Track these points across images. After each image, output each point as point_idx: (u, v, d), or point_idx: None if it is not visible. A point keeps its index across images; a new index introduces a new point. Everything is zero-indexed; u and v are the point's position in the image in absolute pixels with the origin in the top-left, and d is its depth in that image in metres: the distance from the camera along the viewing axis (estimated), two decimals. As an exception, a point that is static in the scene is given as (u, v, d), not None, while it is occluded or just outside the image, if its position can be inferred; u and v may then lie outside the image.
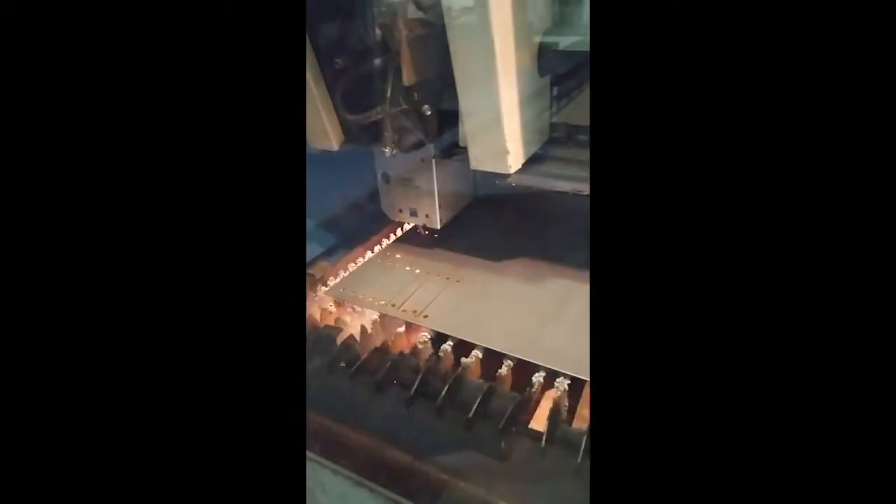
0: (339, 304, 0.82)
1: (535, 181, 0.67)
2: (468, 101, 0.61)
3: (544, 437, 0.56)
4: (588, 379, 0.61)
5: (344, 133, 0.73)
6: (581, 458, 0.53)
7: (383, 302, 0.78)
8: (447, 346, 0.70)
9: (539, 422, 0.60)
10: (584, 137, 0.70)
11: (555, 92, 0.71)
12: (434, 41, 0.58)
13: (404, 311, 0.76)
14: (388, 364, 0.65)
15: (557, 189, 0.66)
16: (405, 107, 0.64)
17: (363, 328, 0.76)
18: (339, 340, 0.73)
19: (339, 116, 0.70)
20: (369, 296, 0.80)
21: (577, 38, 0.61)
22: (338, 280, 0.86)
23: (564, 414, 0.61)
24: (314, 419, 0.60)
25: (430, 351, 0.71)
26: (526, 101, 0.62)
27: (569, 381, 0.63)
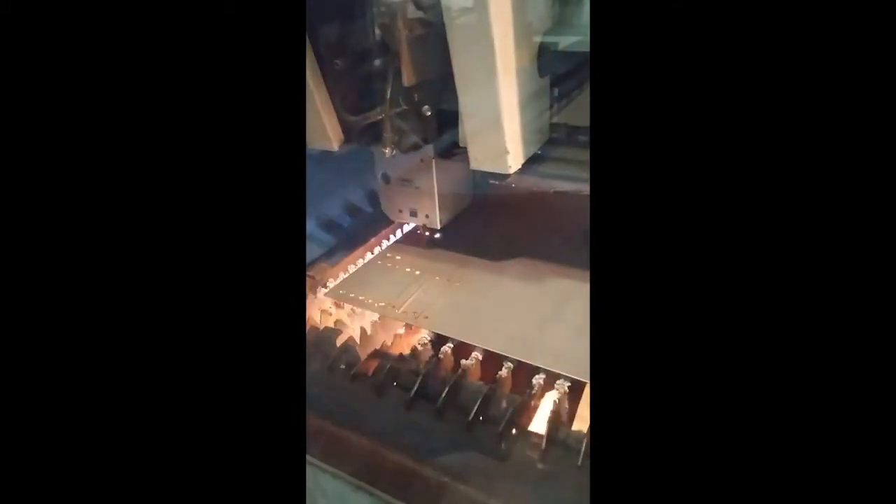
0: (338, 305, 0.82)
1: (535, 182, 0.67)
2: (468, 102, 0.61)
3: (544, 440, 0.56)
4: (588, 381, 0.61)
5: (344, 134, 0.73)
6: (581, 460, 0.53)
7: (383, 303, 0.78)
8: (447, 347, 0.70)
9: (539, 424, 0.60)
10: (584, 138, 0.70)
11: (555, 92, 0.71)
12: (434, 41, 0.58)
13: (404, 312, 0.76)
14: (388, 366, 0.65)
15: (557, 189, 0.66)
16: (405, 107, 0.64)
17: (363, 330, 0.76)
18: (339, 342, 0.73)
19: (339, 117, 0.70)
20: (369, 297, 0.80)
21: (577, 38, 0.61)
22: (337, 281, 0.85)
23: (564, 416, 0.61)
24: (313, 421, 0.60)
25: (429, 353, 0.71)
26: (526, 102, 0.62)
27: (569, 383, 0.63)
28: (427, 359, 0.69)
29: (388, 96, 0.63)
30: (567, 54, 0.62)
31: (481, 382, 0.65)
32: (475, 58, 0.56)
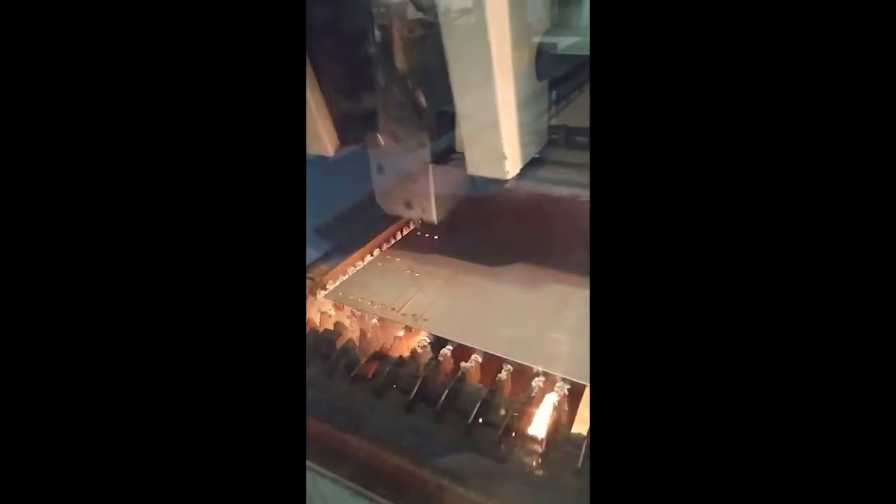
0: (338, 307, 0.82)
1: (534, 186, 0.66)
2: (464, 105, 0.60)
3: (544, 442, 0.55)
4: (588, 383, 0.61)
5: (337, 128, 0.71)
6: (581, 463, 0.53)
7: (382, 305, 0.78)
8: (447, 350, 0.70)
9: (539, 427, 0.59)
10: (583, 139, 0.70)
11: (553, 95, 0.70)
12: (431, 37, 0.57)
13: (404, 315, 0.76)
14: (388, 368, 0.65)
15: (555, 195, 0.66)
16: (399, 96, 0.62)
17: (362, 332, 0.75)
18: (338, 344, 0.72)
19: (330, 109, 0.68)
20: (368, 299, 0.80)
21: (576, 39, 0.61)
22: (337, 284, 0.85)
23: (564, 419, 0.61)
24: (312, 424, 0.60)
25: (429, 355, 0.70)
26: (523, 105, 0.61)
27: (568, 386, 0.62)
28: (426, 361, 0.69)
29: (382, 83, 0.60)
30: (565, 57, 0.61)
31: (481, 385, 0.64)
32: (471, 60, 0.55)
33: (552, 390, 0.63)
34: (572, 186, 0.65)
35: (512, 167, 0.63)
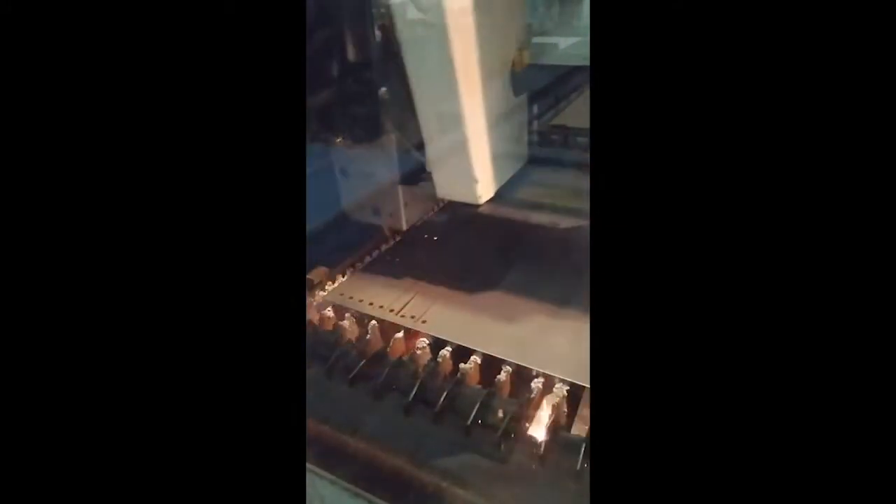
0: (337, 309, 0.82)
1: (508, 213, 0.61)
2: (429, 126, 0.53)
3: (543, 444, 0.55)
4: (587, 385, 0.61)
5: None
6: (580, 464, 0.53)
7: (382, 307, 0.78)
8: (446, 351, 0.70)
9: (538, 428, 0.59)
10: (569, 157, 0.66)
11: (535, 109, 0.65)
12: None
13: (403, 316, 0.76)
14: (387, 370, 0.65)
15: (532, 222, 0.60)
16: (357, 89, 0.53)
17: (361, 333, 0.75)
18: (338, 346, 0.72)
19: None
20: (368, 301, 0.80)
21: (576, 39, 0.57)
22: (336, 285, 0.85)
23: (563, 420, 0.61)
24: (311, 426, 0.60)
25: (428, 357, 0.70)
26: (496, 124, 0.55)
27: (567, 387, 0.62)
28: (425, 363, 0.69)
29: (336, 75, 0.52)
30: (544, 68, 0.57)
31: (480, 386, 0.64)
32: (433, 76, 0.47)
33: (551, 392, 0.63)
34: (550, 213, 0.58)
35: (484, 191, 0.58)
